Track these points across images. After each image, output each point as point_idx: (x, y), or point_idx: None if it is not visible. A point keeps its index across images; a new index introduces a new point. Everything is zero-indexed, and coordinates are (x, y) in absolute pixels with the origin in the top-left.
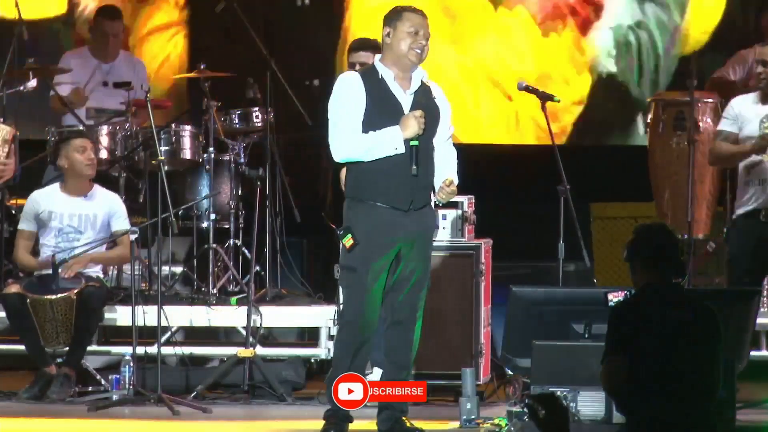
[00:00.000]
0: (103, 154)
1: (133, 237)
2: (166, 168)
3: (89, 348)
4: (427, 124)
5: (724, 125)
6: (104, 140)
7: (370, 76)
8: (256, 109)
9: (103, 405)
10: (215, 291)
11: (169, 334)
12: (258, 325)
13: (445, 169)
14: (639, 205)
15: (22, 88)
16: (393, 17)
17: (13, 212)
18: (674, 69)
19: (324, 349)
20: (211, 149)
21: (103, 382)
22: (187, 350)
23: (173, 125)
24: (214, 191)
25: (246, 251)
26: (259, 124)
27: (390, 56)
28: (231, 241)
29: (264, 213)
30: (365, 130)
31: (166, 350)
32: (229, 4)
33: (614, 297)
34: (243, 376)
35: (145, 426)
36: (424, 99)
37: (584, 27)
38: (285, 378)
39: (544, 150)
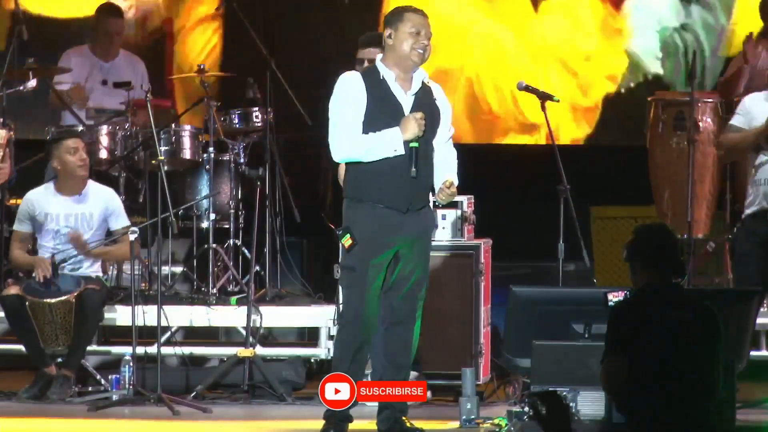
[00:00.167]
0: (103, 154)
1: (133, 237)
2: (166, 168)
3: (89, 348)
4: (427, 125)
5: (735, 120)
6: (104, 140)
7: (371, 76)
8: (256, 109)
9: (103, 405)
10: (215, 291)
11: (169, 334)
12: (258, 325)
13: (445, 170)
14: (640, 208)
15: (22, 88)
16: (394, 18)
17: (14, 212)
18: (720, 70)
19: (324, 349)
20: (211, 149)
21: (103, 382)
22: (187, 350)
23: (173, 125)
24: (214, 191)
25: (246, 251)
26: (259, 124)
27: (392, 57)
28: (231, 241)
29: (264, 213)
30: (365, 130)
31: (166, 350)
32: (229, 4)
33: (614, 297)
34: (243, 376)
35: (145, 426)
36: (424, 100)
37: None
38: (285, 378)
39: (544, 150)
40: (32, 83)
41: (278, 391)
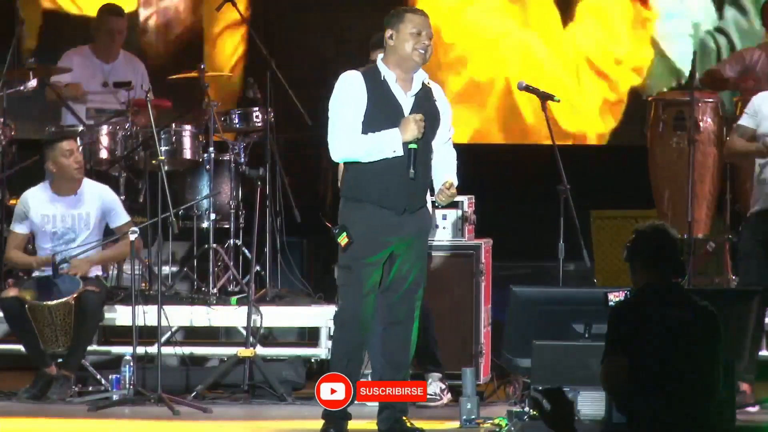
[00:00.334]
0: (104, 154)
1: (133, 237)
2: (166, 168)
3: (89, 348)
4: (426, 127)
5: (743, 120)
6: (104, 140)
7: (372, 76)
8: (256, 109)
9: (103, 405)
10: (215, 291)
11: (169, 334)
12: (258, 325)
13: (445, 170)
14: (640, 211)
15: (22, 88)
16: (395, 19)
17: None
18: None
19: (324, 349)
20: (211, 149)
21: (103, 382)
22: (187, 350)
23: (173, 125)
24: (214, 191)
25: (246, 251)
26: (259, 124)
27: (393, 58)
28: (231, 241)
29: (264, 213)
30: (365, 130)
31: (166, 350)
32: (229, 4)
33: (614, 297)
34: (243, 376)
35: (145, 426)
36: (425, 101)
37: None
38: (285, 378)
39: (544, 150)
40: (32, 83)
41: (278, 391)
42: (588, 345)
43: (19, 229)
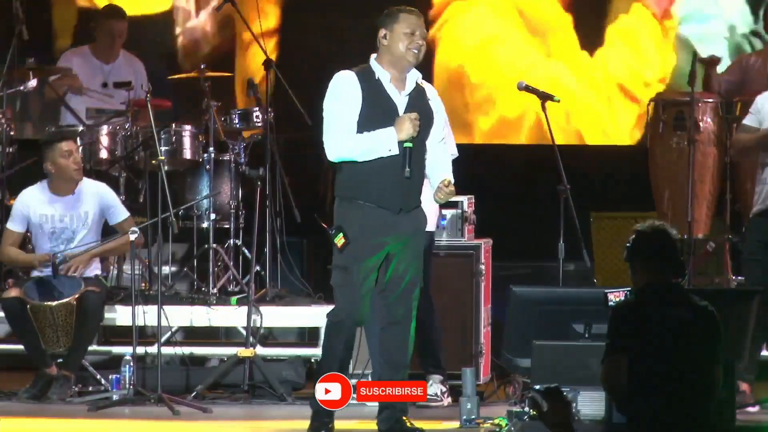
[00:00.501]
0: (104, 154)
1: (133, 237)
2: (166, 168)
3: (89, 348)
4: (421, 126)
5: (747, 119)
6: (104, 140)
7: (366, 75)
8: (256, 109)
9: (103, 405)
10: (215, 291)
11: (169, 334)
12: (258, 325)
13: (441, 169)
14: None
15: (22, 88)
16: (389, 18)
17: None
18: None
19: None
20: (211, 149)
21: (103, 382)
22: (187, 350)
23: (173, 125)
24: (214, 191)
25: (246, 251)
26: (259, 124)
27: (387, 57)
28: (231, 241)
29: (264, 213)
30: (359, 130)
31: (166, 350)
32: (229, 4)
33: (614, 297)
34: (243, 376)
35: (145, 426)
36: (418, 100)
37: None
38: (285, 378)
39: (544, 150)
40: (32, 83)
41: (278, 391)
42: (588, 345)
43: (14, 227)
